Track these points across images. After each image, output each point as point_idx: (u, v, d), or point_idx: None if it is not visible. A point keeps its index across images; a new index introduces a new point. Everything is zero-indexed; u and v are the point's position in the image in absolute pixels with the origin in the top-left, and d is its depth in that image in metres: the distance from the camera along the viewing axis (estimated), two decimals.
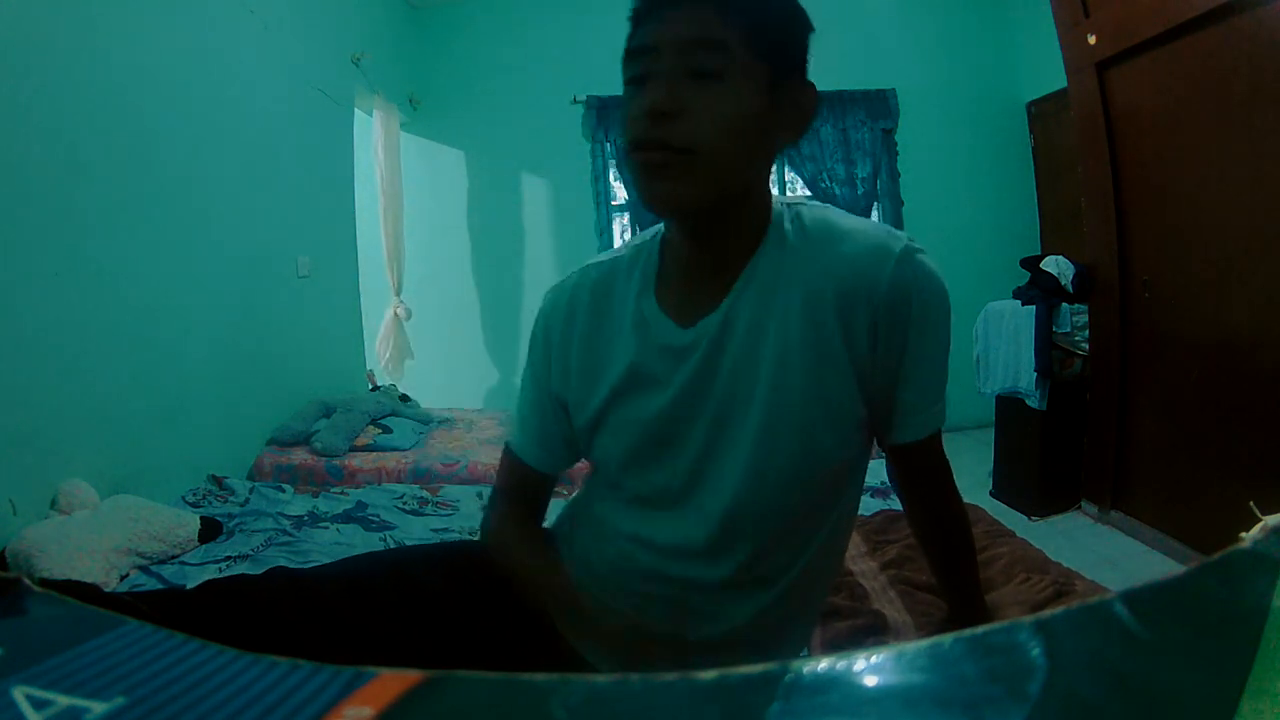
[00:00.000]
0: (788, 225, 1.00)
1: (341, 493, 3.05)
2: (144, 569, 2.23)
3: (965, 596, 1.24)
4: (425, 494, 3.00)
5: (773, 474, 0.99)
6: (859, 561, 1.95)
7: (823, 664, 0.25)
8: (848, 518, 1.12)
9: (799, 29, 0.94)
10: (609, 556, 1.11)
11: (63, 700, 0.27)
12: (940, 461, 1.11)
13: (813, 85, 0.96)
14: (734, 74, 0.89)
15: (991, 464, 4.23)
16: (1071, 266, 3.72)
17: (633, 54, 0.93)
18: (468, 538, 2.45)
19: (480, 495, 2.96)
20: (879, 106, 5.48)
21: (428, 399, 4.75)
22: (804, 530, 1.04)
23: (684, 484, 1.03)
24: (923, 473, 1.12)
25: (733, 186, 0.94)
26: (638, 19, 0.94)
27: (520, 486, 1.20)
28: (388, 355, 5.07)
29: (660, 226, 1.08)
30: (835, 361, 0.96)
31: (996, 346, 4.02)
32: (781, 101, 0.93)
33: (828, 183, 5.38)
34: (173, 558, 2.32)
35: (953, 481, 1.13)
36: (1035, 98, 5.30)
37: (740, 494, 0.99)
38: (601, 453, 1.11)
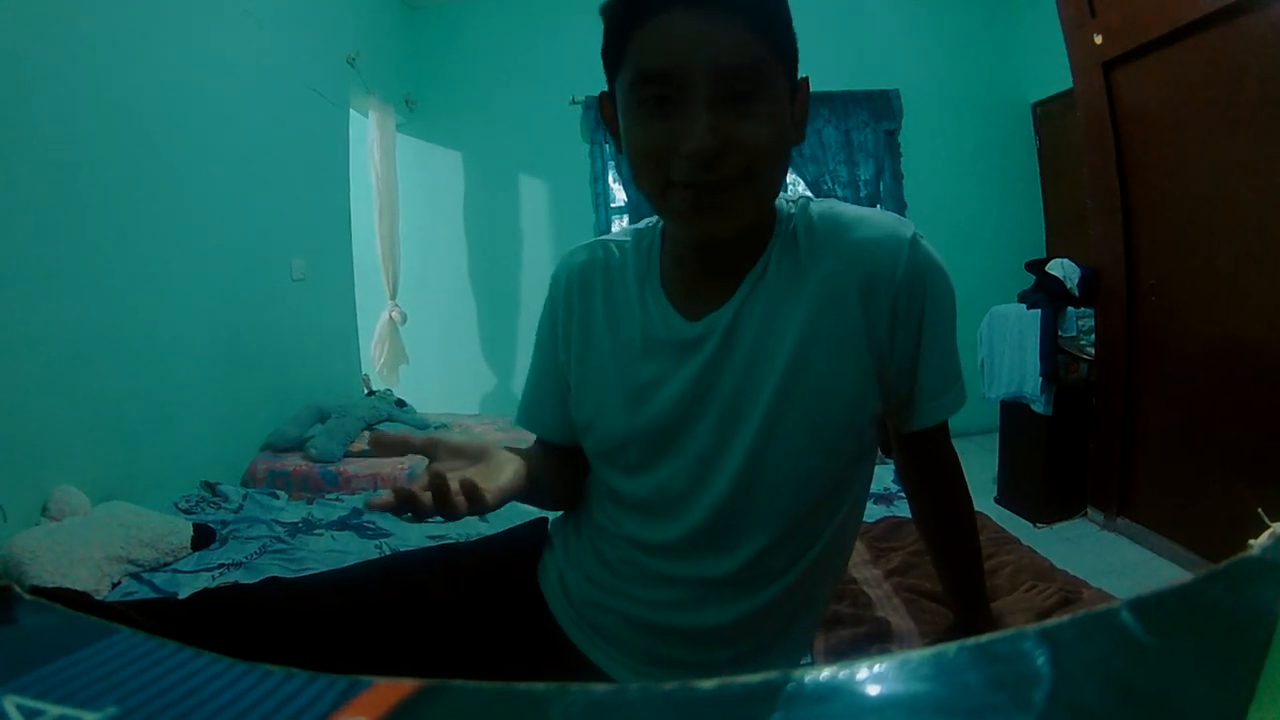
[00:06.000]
0: (795, 221, 1.00)
1: (336, 499, 3.04)
2: (136, 576, 2.23)
3: (972, 593, 1.25)
4: None
5: (782, 468, 0.99)
6: (862, 569, 1.94)
7: (824, 673, 0.25)
8: (854, 515, 1.12)
9: (789, 16, 0.91)
10: (610, 561, 1.10)
11: (54, 710, 0.27)
12: (952, 450, 1.14)
13: (806, 77, 0.95)
14: (770, 90, 0.87)
15: (996, 470, 4.22)
16: (1077, 269, 3.73)
17: (648, 78, 0.87)
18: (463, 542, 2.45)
19: None
20: (882, 107, 5.48)
21: (424, 404, 4.75)
22: (813, 524, 1.04)
23: (686, 484, 1.02)
24: (936, 462, 1.14)
25: (771, 201, 0.96)
26: (635, 19, 0.87)
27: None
28: (383, 359, 5.06)
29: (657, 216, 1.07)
30: (855, 350, 0.97)
31: (1001, 351, 4.02)
32: (795, 100, 0.93)
33: (830, 185, 5.38)
34: (165, 565, 2.32)
35: (962, 471, 1.16)
36: (1041, 98, 5.31)
37: (747, 489, 0.99)
38: (598, 458, 1.11)
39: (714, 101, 0.84)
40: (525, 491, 0.95)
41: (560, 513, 1.25)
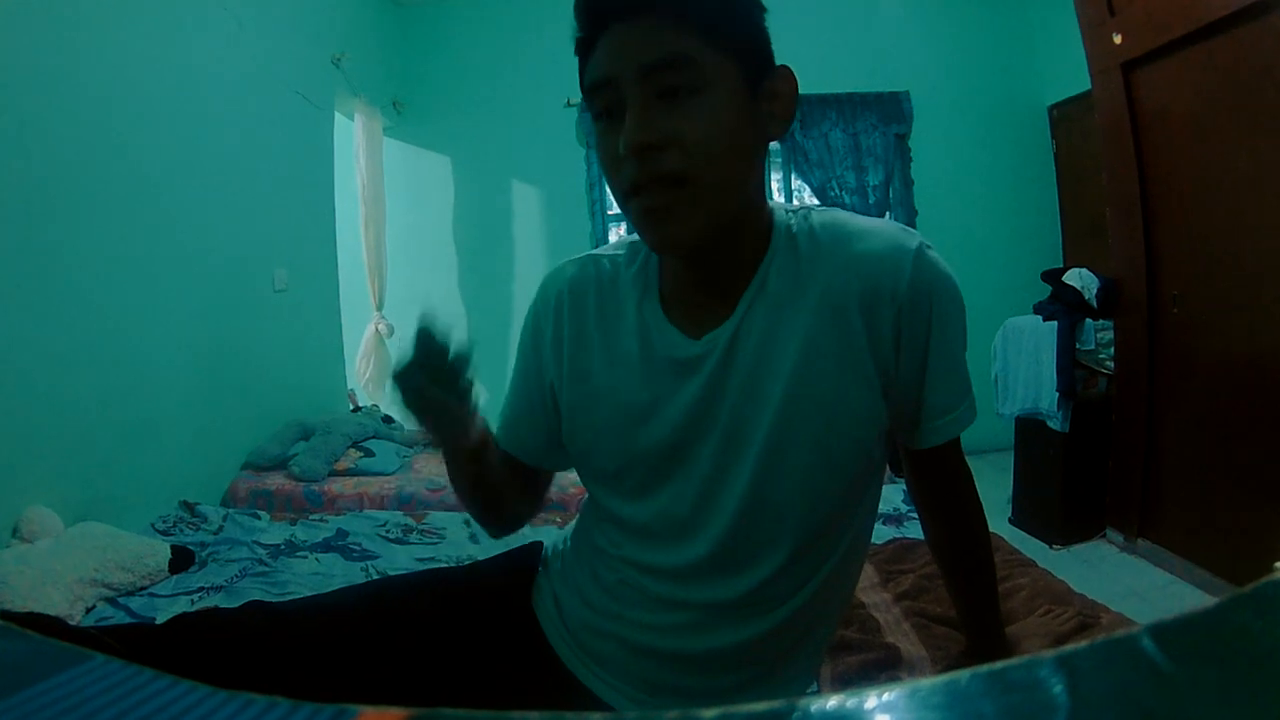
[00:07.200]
0: (796, 231, 1.01)
1: (321, 520, 3.03)
2: (111, 601, 2.23)
3: (985, 616, 1.25)
4: (410, 521, 2.99)
5: (788, 489, 0.99)
6: (871, 593, 1.94)
7: (831, 701, 0.25)
8: (863, 535, 1.12)
9: (755, 12, 0.94)
10: (609, 584, 1.10)
11: None
12: (964, 466, 1.14)
13: (786, 68, 0.96)
14: (705, 83, 0.88)
15: (1011, 490, 4.21)
16: (1096, 280, 3.72)
17: (592, 90, 0.93)
18: (455, 565, 2.44)
19: (468, 522, 2.95)
20: (892, 110, 5.50)
21: (411, 421, 4.73)
22: (821, 546, 1.04)
23: (691, 509, 1.02)
24: (949, 480, 1.14)
25: (737, 203, 0.94)
26: (585, 46, 0.93)
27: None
28: (369, 374, 5.06)
29: None
30: (859, 366, 0.97)
31: (1016, 365, 4.02)
32: (760, 95, 0.93)
33: (837, 191, 5.38)
34: (141, 589, 2.31)
35: (975, 487, 1.16)
36: (1057, 100, 5.33)
37: (753, 513, 0.99)
38: (596, 483, 1.11)
39: (644, 99, 0.88)
40: (474, 474, 1.11)
41: (543, 539, 1.26)
